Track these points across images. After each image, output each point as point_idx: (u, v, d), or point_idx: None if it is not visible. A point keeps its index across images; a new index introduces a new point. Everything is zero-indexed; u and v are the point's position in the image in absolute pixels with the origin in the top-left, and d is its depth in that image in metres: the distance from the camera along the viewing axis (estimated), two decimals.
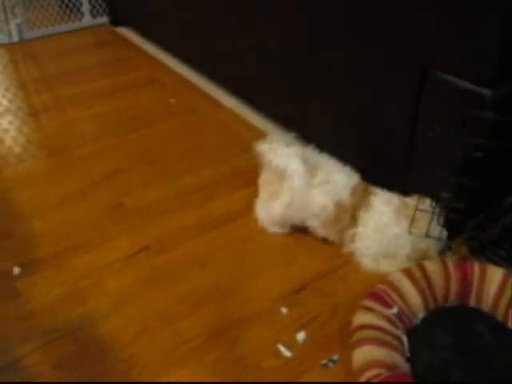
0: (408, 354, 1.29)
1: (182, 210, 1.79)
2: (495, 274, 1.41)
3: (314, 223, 1.62)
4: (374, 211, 1.56)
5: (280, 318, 1.42)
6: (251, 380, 1.27)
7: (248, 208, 1.77)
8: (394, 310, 1.34)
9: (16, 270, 1.55)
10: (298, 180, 1.57)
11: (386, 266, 1.54)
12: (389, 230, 1.55)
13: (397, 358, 1.24)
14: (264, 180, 1.68)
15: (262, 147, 1.63)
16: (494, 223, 1.61)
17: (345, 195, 1.58)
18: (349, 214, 1.57)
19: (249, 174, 1.86)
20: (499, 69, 1.33)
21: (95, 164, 2.02)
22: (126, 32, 3.13)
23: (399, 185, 1.60)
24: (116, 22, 3.19)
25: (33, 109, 2.40)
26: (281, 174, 1.59)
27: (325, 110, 1.86)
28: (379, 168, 1.72)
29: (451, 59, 1.40)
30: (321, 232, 1.63)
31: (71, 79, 2.64)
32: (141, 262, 1.60)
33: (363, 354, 1.23)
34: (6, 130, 2.25)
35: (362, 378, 1.19)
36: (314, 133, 1.94)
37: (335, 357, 1.32)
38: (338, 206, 1.57)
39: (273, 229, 1.68)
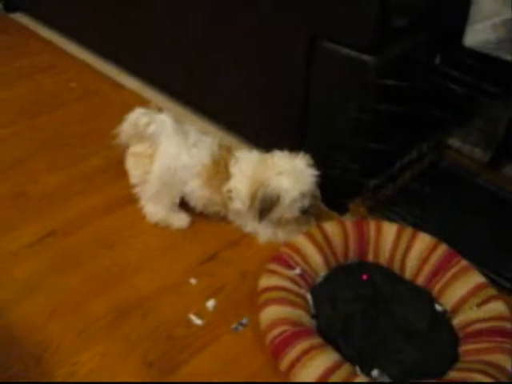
0: (313, 311, 1.37)
1: (87, 192, 1.78)
2: (390, 229, 1.51)
3: (194, 184, 1.58)
4: (242, 163, 1.58)
5: (190, 289, 1.46)
6: (166, 349, 1.31)
7: None
8: (297, 271, 1.41)
9: None
10: (172, 141, 1.56)
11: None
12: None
13: (302, 315, 1.31)
14: (133, 154, 1.64)
15: (136, 113, 1.59)
16: (389, 183, 1.71)
17: (215, 150, 1.59)
18: (222, 167, 1.58)
19: None
20: (379, 36, 1.40)
21: None
22: (21, 18, 3.02)
23: (296, 150, 1.64)
24: (10, 7, 3.08)
25: None
26: (152, 141, 1.58)
27: (225, 83, 1.88)
28: (277, 135, 1.77)
29: (335, 29, 1.46)
30: (203, 193, 1.59)
31: None
32: (48, 247, 1.58)
33: (269, 313, 1.29)
34: None
35: (269, 336, 1.25)
36: (215, 107, 1.99)
37: (245, 320, 1.38)
38: (213, 161, 1.58)
39: (152, 209, 1.64)
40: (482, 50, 1.54)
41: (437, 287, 1.42)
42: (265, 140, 1.76)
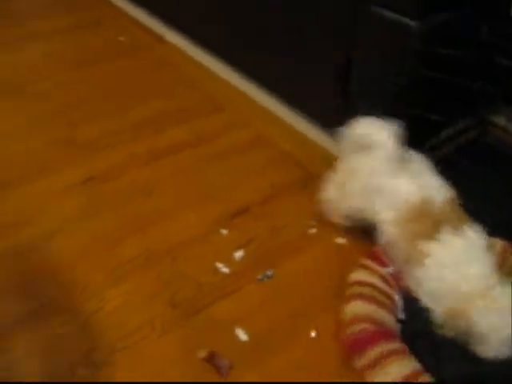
0: (400, 315, 1.31)
1: (130, 142, 1.83)
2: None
3: (385, 216, 1.33)
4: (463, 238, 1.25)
5: (219, 239, 1.50)
6: (193, 292, 1.36)
7: (193, 140, 1.84)
8: (390, 269, 1.36)
9: None
10: (384, 153, 1.34)
11: None
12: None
13: (385, 316, 1.27)
14: (342, 161, 1.47)
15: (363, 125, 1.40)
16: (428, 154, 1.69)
17: (436, 198, 1.29)
18: (431, 221, 1.26)
19: (194, 110, 1.95)
20: (424, 1, 1.40)
21: (46, 100, 2.04)
22: None
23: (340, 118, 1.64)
24: None
25: None
26: (364, 148, 1.38)
27: (269, 51, 1.90)
28: (318, 104, 1.78)
29: None
30: (389, 230, 1.33)
31: (20, 18, 2.62)
32: (87, 190, 1.64)
33: (353, 307, 1.27)
34: None
35: (348, 331, 1.23)
36: (260, 71, 2.00)
37: (270, 272, 1.41)
38: (425, 204, 1.28)
39: (339, 220, 1.49)
40: None
41: None
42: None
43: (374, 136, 1.36)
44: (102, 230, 1.52)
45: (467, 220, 1.28)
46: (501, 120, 1.81)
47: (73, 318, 1.30)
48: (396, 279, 1.35)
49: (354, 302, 1.28)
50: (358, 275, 1.35)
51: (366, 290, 1.30)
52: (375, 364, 1.16)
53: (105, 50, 2.36)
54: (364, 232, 1.44)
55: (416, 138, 1.57)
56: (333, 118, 1.61)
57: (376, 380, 1.15)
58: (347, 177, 1.41)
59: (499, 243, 1.38)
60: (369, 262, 1.37)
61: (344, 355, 1.22)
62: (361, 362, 1.18)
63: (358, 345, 1.20)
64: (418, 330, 1.26)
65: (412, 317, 1.29)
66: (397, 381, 1.12)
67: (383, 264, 1.37)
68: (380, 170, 1.35)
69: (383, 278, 1.34)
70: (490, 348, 1.17)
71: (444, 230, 1.24)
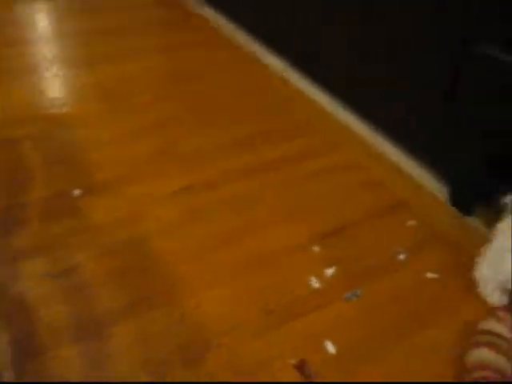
0: None
1: (229, 156, 1.94)
2: None
3: None
4: None
5: (312, 254, 1.57)
6: (286, 302, 1.43)
7: (291, 158, 1.94)
8: None
9: (76, 192, 1.72)
10: None
11: None
12: None
13: (506, 367, 1.28)
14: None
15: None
16: None
17: None
18: None
19: (293, 131, 2.07)
20: None
21: (147, 111, 2.18)
22: None
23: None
24: None
25: (90, 58, 2.56)
26: None
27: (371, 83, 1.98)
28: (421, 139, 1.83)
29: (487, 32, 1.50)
30: None
31: (130, 33, 2.80)
32: (188, 197, 1.75)
33: (478, 354, 1.31)
34: (64, 77, 2.42)
35: (472, 376, 1.27)
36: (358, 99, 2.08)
37: (358, 292, 1.46)
38: None
39: (492, 299, 1.49)
40: None
41: None
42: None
43: None
44: (202, 235, 1.61)
45: None
46: None
47: (170, 313, 1.39)
48: None
49: (480, 349, 1.31)
50: (488, 324, 1.37)
51: (492, 340, 1.33)
52: None
53: (205, 65, 2.50)
54: None
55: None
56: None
57: None
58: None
59: None
60: (502, 314, 1.39)
61: None
62: None
63: None
64: None
65: None
66: None
67: None
68: None
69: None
70: None
71: None
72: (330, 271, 1.52)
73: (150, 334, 1.34)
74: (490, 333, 1.35)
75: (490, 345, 1.32)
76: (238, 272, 1.51)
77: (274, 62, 2.50)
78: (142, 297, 1.43)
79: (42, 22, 2.97)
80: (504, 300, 1.47)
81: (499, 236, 1.46)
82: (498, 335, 1.35)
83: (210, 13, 2.99)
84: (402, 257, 1.58)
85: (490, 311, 1.41)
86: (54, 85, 2.36)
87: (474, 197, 1.69)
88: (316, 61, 2.26)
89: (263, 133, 2.06)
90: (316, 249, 1.59)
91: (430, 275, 1.53)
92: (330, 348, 1.33)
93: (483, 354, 1.30)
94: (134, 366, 1.27)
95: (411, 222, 1.68)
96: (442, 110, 1.70)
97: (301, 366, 1.29)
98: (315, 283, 1.48)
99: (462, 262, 1.55)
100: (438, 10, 1.63)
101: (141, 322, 1.36)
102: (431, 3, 1.65)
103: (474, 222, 1.70)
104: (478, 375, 1.26)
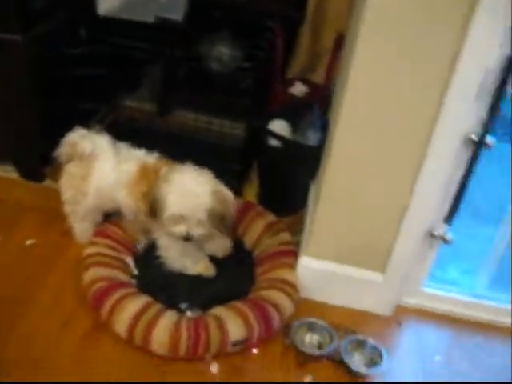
0: (135, 272, 1.58)
1: None
2: None
3: (122, 194, 1.56)
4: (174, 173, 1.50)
5: None
6: None
7: None
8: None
9: None
10: (105, 162, 1.56)
11: None
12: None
13: (119, 274, 1.52)
14: (68, 173, 1.62)
15: (72, 137, 1.58)
16: None
17: (149, 161, 1.56)
18: (151, 175, 1.52)
19: None
20: (24, 17, 1.61)
21: None
22: None
23: None
24: None
25: None
26: (88, 162, 1.57)
27: None
28: None
29: None
30: (128, 201, 1.56)
31: None
32: None
33: (90, 274, 1.48)
34: None
35: (90, 293, 1.44)
36: None
37: None
38: (140, 169, 1.54)
39: (82, 227, 1.66)
40: (114, 16, 1.82)
41: (240, 229, 1.72)
42: None
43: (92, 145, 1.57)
44: None
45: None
46: (132, 102, 1.99)
47: None
48: (124, 246, 1.62)
49: (89, 270, 1.50)
50: (90, 249, 1.56)
51: (98, 259, 1.53)
52: (114, 307, 1.40)
53: None
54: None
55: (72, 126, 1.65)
56: None
57: (117, 322, 1.38)
58: (80, 181, 1.59)
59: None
60: (95, 239, 1.60)
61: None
62: (103, 312, 1.41)
63: (97, 300, 1.42)
64: (151, 278, 1.57)
65: (144, 270, 1.60)
66: (132, 315, 1.36)
67: (108, 237, 1.61)
68: (107, 169, 1.57)
69: (112, 247, 1.59)
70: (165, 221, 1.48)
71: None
72: None
73: None
74: (91, 255, 1.54)
75: (96, 263, 1.52)
76: None
77: None
78: None
79: None
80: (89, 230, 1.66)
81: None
82: (100, 254, 1.55)
83: None
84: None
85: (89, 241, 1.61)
86: None
87: (38, 164, 1.85)
88: None
89: None
90: None
91: (29, 242, 1.66)
92: None
93: (93, 272, 1.49)
94: None
95: None
96: None
97: None
98: None
99: (50, 222, 1.71)
100: None
101: None
102: None
103: (48, 182, 1.85)
104: (94, 288, 1.44)
